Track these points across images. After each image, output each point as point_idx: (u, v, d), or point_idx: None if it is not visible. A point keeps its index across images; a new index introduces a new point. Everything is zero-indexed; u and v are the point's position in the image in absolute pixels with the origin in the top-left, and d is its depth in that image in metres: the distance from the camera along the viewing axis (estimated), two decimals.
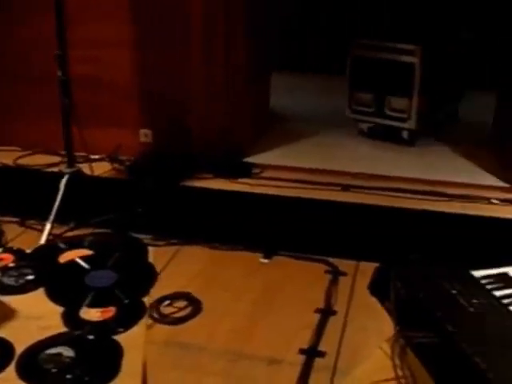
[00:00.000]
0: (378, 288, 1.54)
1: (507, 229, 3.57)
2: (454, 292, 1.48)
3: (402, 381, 1.29)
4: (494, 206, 3.74)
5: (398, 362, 1.37)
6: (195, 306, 3.00)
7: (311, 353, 2.72)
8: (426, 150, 4.68)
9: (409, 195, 3.80)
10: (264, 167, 4.16)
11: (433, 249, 3.29)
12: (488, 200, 3.77)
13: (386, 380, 1.32)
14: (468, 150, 4.60)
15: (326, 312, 3.02)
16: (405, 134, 4.73)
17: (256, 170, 4.13)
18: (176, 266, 3.35)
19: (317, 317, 2.99)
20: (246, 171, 4.07)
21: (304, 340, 2.81)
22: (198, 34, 4.06)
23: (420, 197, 3.79)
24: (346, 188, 3.83)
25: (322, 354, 2.72)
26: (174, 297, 3.05)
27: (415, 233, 3.54)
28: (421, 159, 4.47)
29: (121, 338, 2.69)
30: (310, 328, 2.89)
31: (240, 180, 3.98)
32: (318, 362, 2.68)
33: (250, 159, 4.28)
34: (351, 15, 6.49)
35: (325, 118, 5.28)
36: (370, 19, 6.31)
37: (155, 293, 3.07)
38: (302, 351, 2.73)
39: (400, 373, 1.34)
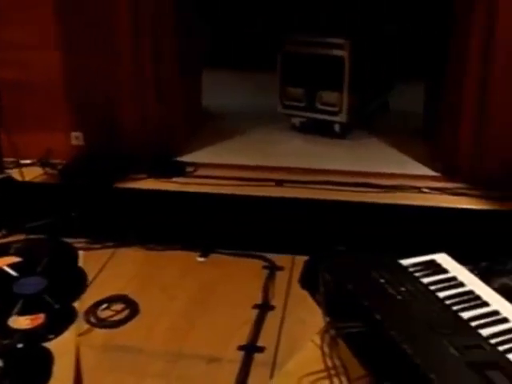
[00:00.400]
0: (308, 281, 1.55)
1: (438, 217, 3.64)
2: (382, 281, 1.50)
3: (332, 371, 1.30)
4: (425, 194, 3.80)
5: (329, 353, 1.38)
6: (132, 308, 2.97)
7: (250, 349, 2.73)
8: (358, 143, 4.74)
9: (342, 188, 3.84)
10: (198, 165, 4.15)
11: (367, 239, 3.33)
12: (419, 189, 3.83)
13: (318, 371, 1.33)
14: (399, 140, 4.67)
15: (264, 307, 3.03)
16: (337, 128, 4.78)
17: (190, 169, 4.12)
18: (112, 269, 3.31)
19: (255, 312, 2.99)
20: (180, 170, 4.05)
21: (243, 336, 2.81)
22: (126, 32, 4.01)
23: (353, 189, 3.83)
24: (279, 183, 3.84)
25: (261, 350, 2.72)
26: (110, 300, 3.01)
27: (350, 224, 3.58)
28: (353, 151, 4.52)
29: (51, 344, 2.65)
30: (249, 324, 2.89)
31: (174, 179, 3.96)
32: (258, 357, 2.68)
33: (183, 158, 4.27)
34: (281, 11, 6.52)
35: (257, 114, 5.29)
36: (299, 15, 6.35)
37: (92, 297, 3.03)
38: (240, 348, 2.73)
39: (331, 363, 1.35)
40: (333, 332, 1.37)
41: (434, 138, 4.36)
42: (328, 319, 1.40)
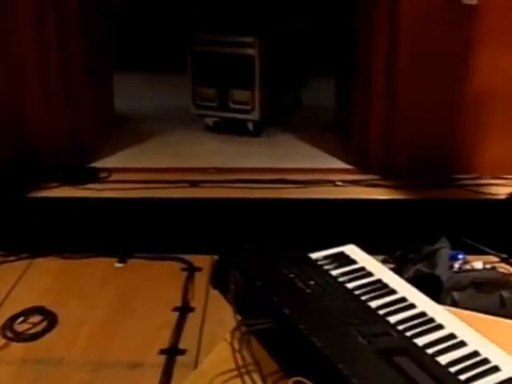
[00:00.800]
0: (218, 281, 1.56)
1: (352, 209, 3.71)
2: (291, 276, 1.51)
3: (244, 369, 1.31)
4: (339, 187, 3.86)
5: (241, 350, 1.39)
6: (50, 319, 2.93)
7: (172, 352, 2.73)
8: (272, 140, 4.77)
9: (258, 185, 3.85)
10: (112, 170, 4.10)
11: (284, 235, 3.36)
12: (333, 183, 3.89)
13: (231, 370, 1.34)
14: (312, 135, 4.73)
15: (184, 309, 3.03)
16: (250, 126, 4.80)
17: (104, 174, 4.06)
18: (28, 281, 3.25)
19: (175, 315, 2.99)
20: (93, 176, 3.99)
21: (164, 340, 2.80)
22: (30, 37, 3.92)
23: (269, 186, 3.85)
24: (194, 184, 3.83)
25: (182, 352, 2.73)
26: (27, 313, 2.96)
27: (266, 221, 3.60)
28: (267, 149, 4.55)
29: None
30: (169, 327, 2.89)
31: (87, 186, 3.90)
32: (180, 360, 2.68)
33: (96, 164, 4.21)
34: (189, 10, 6.49)
35: (170, 115, 5.27)
36: (208, 14, 6.34)
37: (8, 311, 2.97)
38: (162, 351, 2.73)
39: (243, 361, 1.36)
40: (244, 330, 1.37)
41: (346, 132, 4.43)
42: (239, 317, 1.41)
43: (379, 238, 3.60)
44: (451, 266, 3.13)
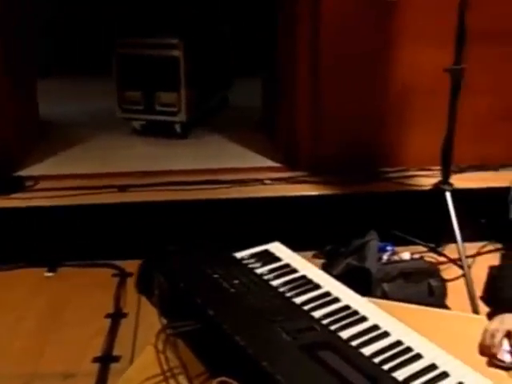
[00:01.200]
0: (143, 285, 1.55)
1: (281, 206, 3.73)
2: (215, 276, 1.52)
3: (170, 373, 1.31)
4: (268, 186, 3.88)
5: (167, 354, 1.38)
6: None
7: (106, 359, 2.70)
8: (200, 141, 4.76)
9: (187, 187, 3.84)
10: (38, 179, 4.01)
11: (214, 235, 3.36)
12: (261, 181, 3.90)
13: (158, 375, 1.33)
14: (240, 135, 4.73)
15: (117, 315, 3.01)
16: (177, 128, 4.78)
17: (30, 183, 3.97)
18: None
19: (108, 322, 2.96)
20: (19, 185, 3.90)
21: (97, 348, 2.78)
22: None
23: (198, 187, 3.84)
24: (122, 189, 3.79)
25: (116, 359, 2.71)
26: None
27: (198, 223, 3.60)
28: (195, 150, 4.54)
29: None
30: (103, 334, 2.86)
31: (13, 196, 3.81)
32: (114, 367, 2.66)
33: (22, 172, 4.11)
34: (113, 13, 6.43)
35: (97, 120, 5.20)
36: (131, 16, 6.29)
37: None
38: (96, 359, 2.70)
39: (168, 365, 1.35)
40: (170, 333, 1.37)
41: (273, 131, 4.46)
42: (165, 321, 1.41)
43: (310, 233, 3.64)
44: (380, 258, 3.19)
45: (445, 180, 3.48)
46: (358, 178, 3.86)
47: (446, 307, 3.07)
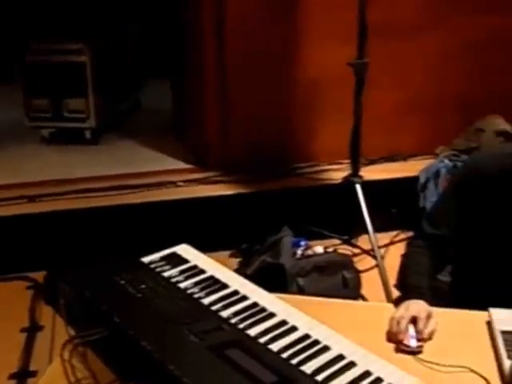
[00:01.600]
0: (50, 295, 1.52)
1: (195, 207, 3.73)
2: (122, 283, 1.50)
3: None
4: (181, 188, 3.87)
5: (77, 364, 1.37)
6: None
7: (22, 375, 2.65)
8: (111, 146, 4.71)
9: (100, 194, 3.79)
10: None
11: (128, 240, 3.33)
12: (175, 183, 3.89)
13: None
14: (152, 138, 4.71)
15: (33, 329, 2.95)
16: (87, 134, 4.71)
17: None
18: None
19: (24, 336, 2.90)
20: None
21: (13, 363, 2.71)
22: None
23: (111, 193, 3.80)
24: (32, 199, 3.70)
25: (33, 374, 2.65)
26: None
27: (112, 228, 3.56)
28: (107, 156, 4.48)
29: None
30: (18, 349, 2.80)
31: None
32: (31, 382, 2.61)
33: None
34: (16, 20, 6.28)
35: (4, 130, 5.05)
36: (35, 23, 6.15)
37: None
38: (12, 376, 2.64)
39: (74, 377, 1.34)
40: (77, 342, 1.35)
41: (184, 132, 4.45)
42: (72, 331, 1.39)
43: (226, 233, 3.65)
44: (294, 253, 3.22)
45: (354, 173, 3.55)
46: (270, 175, 3.89)
47: (361, 298, 3.13)
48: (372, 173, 3.84)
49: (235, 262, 3.42)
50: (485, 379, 1.49)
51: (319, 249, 3.29)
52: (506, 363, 1.52)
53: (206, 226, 3.70)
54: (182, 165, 4.14)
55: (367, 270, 3.37)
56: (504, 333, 1.63)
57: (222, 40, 3.88)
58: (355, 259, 3.43)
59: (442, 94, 4.22)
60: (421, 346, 1.60)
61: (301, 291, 2.99)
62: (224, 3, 3.83)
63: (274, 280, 2.99)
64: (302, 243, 3.31)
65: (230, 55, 3.89)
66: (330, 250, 3.39)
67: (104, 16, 5.73)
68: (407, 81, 4.13)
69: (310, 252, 3.25)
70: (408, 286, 1.86)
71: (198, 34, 3.99)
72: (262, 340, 1.41)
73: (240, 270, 3.18)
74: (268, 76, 3.94)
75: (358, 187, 3.47)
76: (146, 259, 1.69)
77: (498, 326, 1.66)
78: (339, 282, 3.06)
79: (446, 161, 3.84)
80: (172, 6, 4.69)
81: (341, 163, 3.97)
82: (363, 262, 3.47)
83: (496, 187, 1.86)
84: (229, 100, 3.94)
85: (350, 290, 3.06)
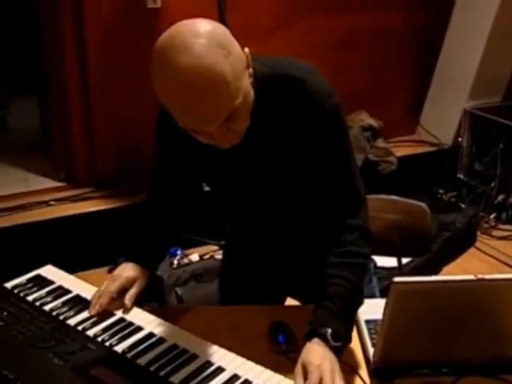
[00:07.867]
0: None
1: (68, 226, 3.67)
2: None
3: None
4: (53, 207, 3.78)
5: None
6: None
7: None
8: None
9: None
10: None
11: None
12: (46, 203, 3.80)
13: None
14: (20, 158, 4.56)
15: None
16: None
17: None
18: None
19: None
20: None
21: None
22: None
23: None
24: None
25: None
26: None
27: None
28: None
29: None
30: None
31: None
32: None
33: None
34: None
35: None
36: None
37: None
38: None
39: None
40: None
41: (52, 150, 4.34)
42: None
43: (100, 249, 3.60)
44: (171, 263, 3.22)
45: None
46: (138, 187, 3.83)
47: None
48: None
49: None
50: (352, 368, 1.54)
51: (195, 256, 3.31)
52: (371, 351, 1.58)
53: (81, 243, 3.65)
54: (52, 183, 4.04)
55: None
56: (368, 322, 1.71)
57: (83, 56, 3.80)
58: None
59: None
60: None
61: (180, 301, 2.99)
62: (82, 16, 3.75)
63: (153, 292, 2.97)
64: (178, 252, 3.31)
65: (92, 71, 3.82)
66: (207, 257, 3.41)
67: None
68: None
69: (186, 260, 3.25)
70: None
71: (56, 52, 3.90)
72: (130, 355, 1.41)
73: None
74: (131, 89, 3.88)
75: None
76: (10, 284, 1.66)
77: (363, 317, 1.73)
78: (217, 288, 3.08)
79: None
80: (32, 21, 4.57)
81: None
82: None
83: None
84: (92, 116, 3.87)
85: None
